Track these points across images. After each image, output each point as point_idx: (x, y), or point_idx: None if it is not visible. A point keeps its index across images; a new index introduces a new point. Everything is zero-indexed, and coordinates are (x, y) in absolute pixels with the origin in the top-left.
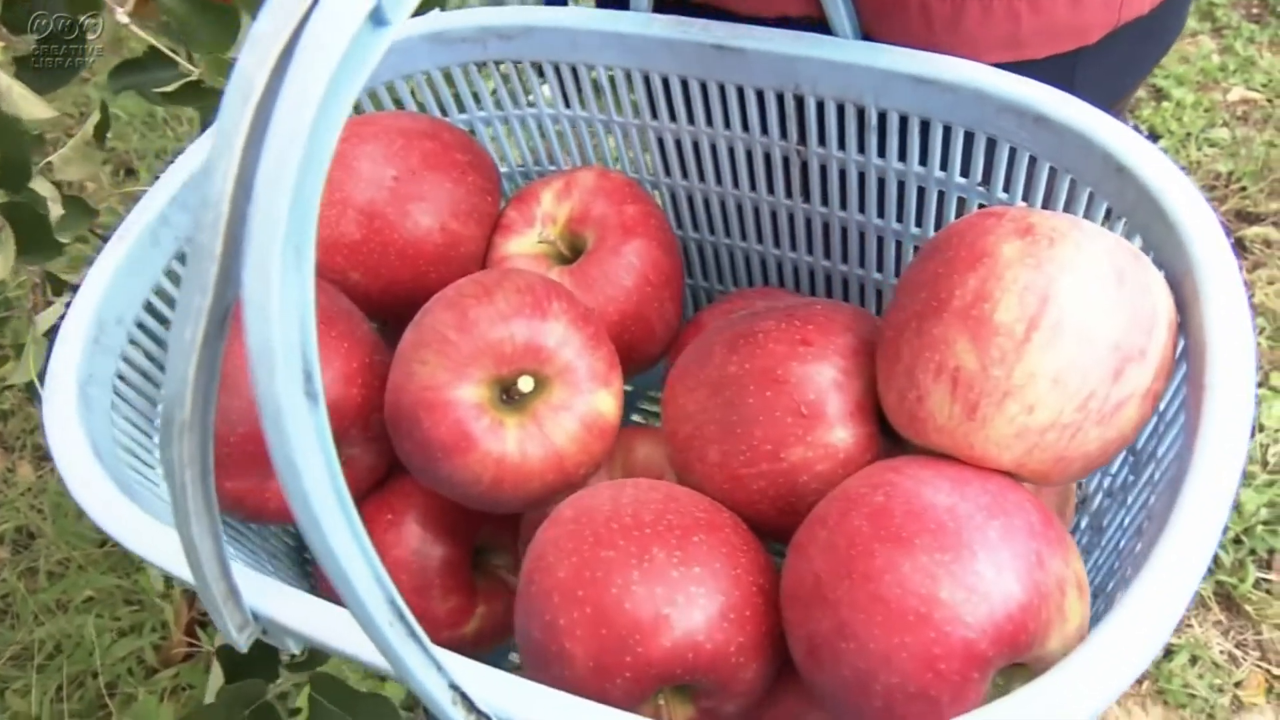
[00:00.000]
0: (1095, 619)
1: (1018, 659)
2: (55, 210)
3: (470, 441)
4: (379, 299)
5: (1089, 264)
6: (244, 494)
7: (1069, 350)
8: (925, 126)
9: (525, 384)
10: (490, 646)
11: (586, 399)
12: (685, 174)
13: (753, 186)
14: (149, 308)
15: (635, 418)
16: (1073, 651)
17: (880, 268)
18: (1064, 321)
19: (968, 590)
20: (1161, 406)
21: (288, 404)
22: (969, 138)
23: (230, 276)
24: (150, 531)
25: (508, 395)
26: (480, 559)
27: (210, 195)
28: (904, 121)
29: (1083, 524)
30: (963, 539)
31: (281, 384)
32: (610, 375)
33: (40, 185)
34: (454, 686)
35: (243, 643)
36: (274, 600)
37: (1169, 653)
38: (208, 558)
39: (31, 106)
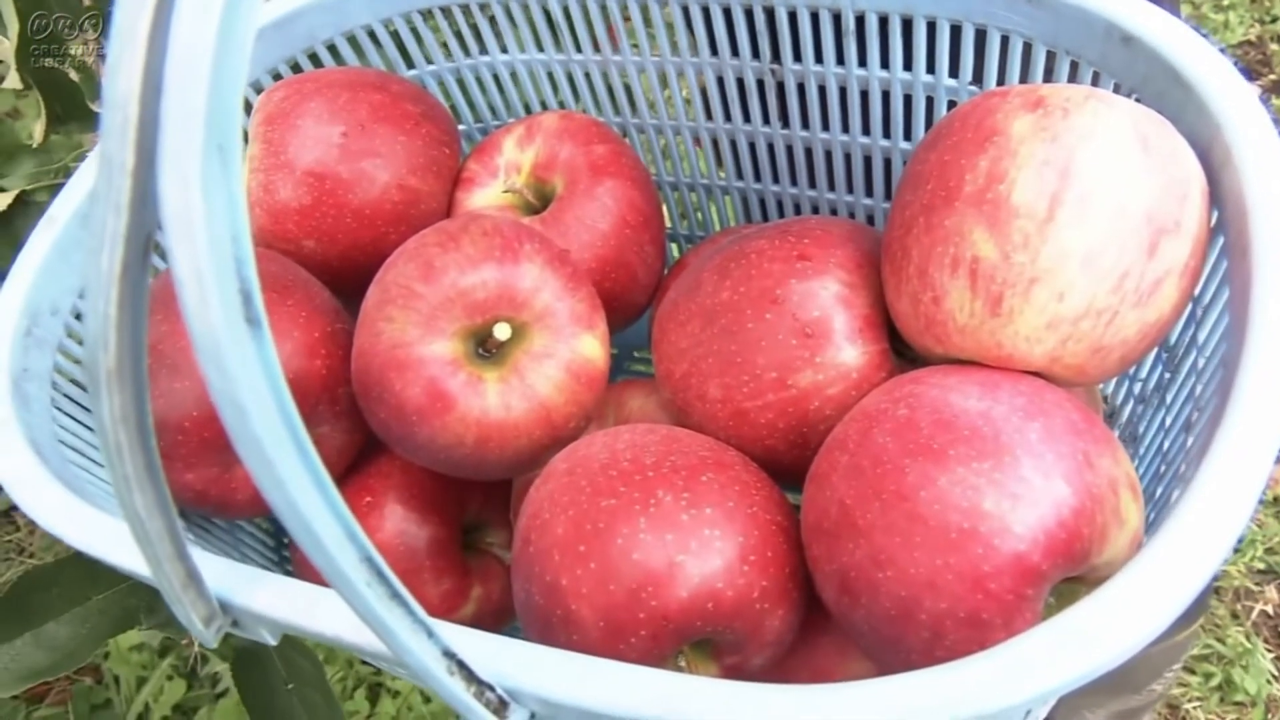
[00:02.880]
0: (1148, 526)
1: (1073, 572)
2: None
3: (448, 400)
4: (338, 267)
5: (1110, 131)
6: (207, 485)
7: (1098, 226)
8: (907, 26)
9: (502, 331)
10: (490, 631)
11: (570, 344)
12: (654, 110)
13: (727, 117)
14: None
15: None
16: (1134, 557)
17: (870, 191)
18: (1089, 195)
19: (1014, 498)
20: (1198, 290)
21: (226, 333)
22: (955, 31)
23: (148, 191)
24: (113, 530)
25: (484, 348)
26: (471, 537)
27: (115, 95)
28: (884, 23)
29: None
30: (1001, 444)
31: (216, 310)
32: (594, 317)
33: None
34: (449, 654)
35: (211, 638)
36: (242, 585)
37: None
38: (158, 535)
39: None
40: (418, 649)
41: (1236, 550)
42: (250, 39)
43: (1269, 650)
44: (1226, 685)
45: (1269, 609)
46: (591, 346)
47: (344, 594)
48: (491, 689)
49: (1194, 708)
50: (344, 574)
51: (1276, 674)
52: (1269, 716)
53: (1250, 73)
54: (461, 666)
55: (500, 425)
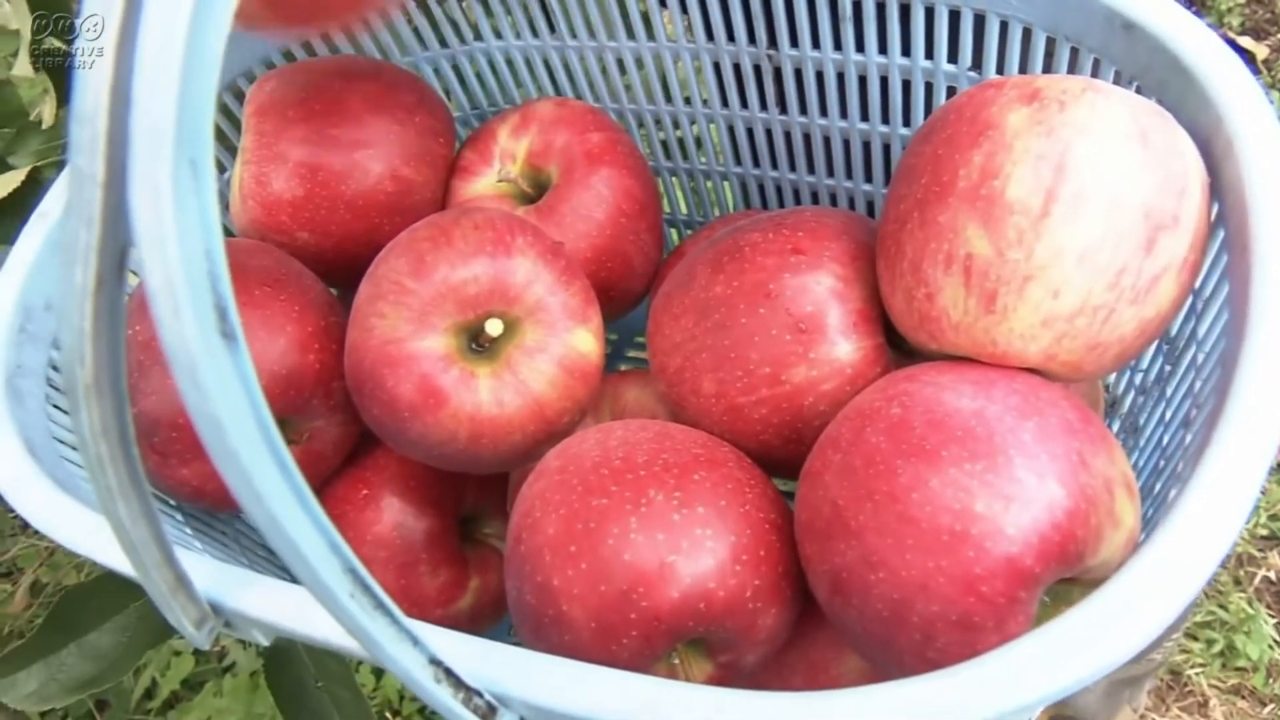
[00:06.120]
0: (1146, 523)
1: (1066, 574)
2: None
3: (440, 396)
4: (333, 259)
5: (1108, 124)
6: (203, 481)
7: (1094, 222)
8: (905, 11)
9: (494, 327)
10: (490, 623)
11: (563, 338)
12: (650, 97)
13: (724, 103)
14: None
15: (624, 367)
16: (1129, 558)
17: (869, 178)
18: (1085, 190)
19: (1006, 500)
20: (1198, 283)
21: (200, 349)
22: (954, 16)
23: (120, 204)
24: (103, 529)
25: (476, 343)
26: (469, 528)
27: (84, 109)
28: (881, 9)
29: (1115, 427)
30: (994, 444)
31: (190, 325)
32: (588, 310)
33: None
34: (435, 661)
35: (204, 640)
36: (233, 587)
37: None
38: (144, 542)
39: None
40: (403, 658)
41: None
42: (220, 51)
43: (1271, 616)
44: (1229, 651)
45: (1271, 575)
46: (585, 340)
47: (327, 606)
48: (479, 695)
49: (1196, 674)
50: (327, 586)
51: (1278, 639)
52: (1270, 682)
53: (1258, 32)
54: (449, 674)
55: (493, 421)
